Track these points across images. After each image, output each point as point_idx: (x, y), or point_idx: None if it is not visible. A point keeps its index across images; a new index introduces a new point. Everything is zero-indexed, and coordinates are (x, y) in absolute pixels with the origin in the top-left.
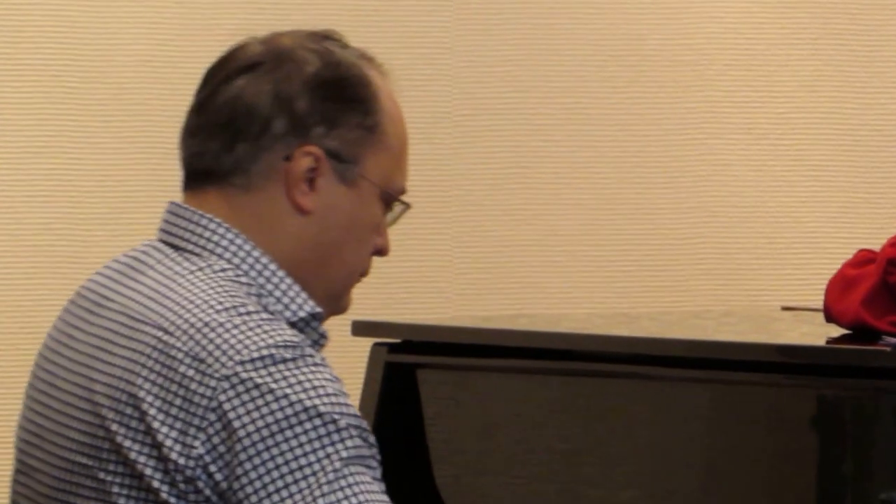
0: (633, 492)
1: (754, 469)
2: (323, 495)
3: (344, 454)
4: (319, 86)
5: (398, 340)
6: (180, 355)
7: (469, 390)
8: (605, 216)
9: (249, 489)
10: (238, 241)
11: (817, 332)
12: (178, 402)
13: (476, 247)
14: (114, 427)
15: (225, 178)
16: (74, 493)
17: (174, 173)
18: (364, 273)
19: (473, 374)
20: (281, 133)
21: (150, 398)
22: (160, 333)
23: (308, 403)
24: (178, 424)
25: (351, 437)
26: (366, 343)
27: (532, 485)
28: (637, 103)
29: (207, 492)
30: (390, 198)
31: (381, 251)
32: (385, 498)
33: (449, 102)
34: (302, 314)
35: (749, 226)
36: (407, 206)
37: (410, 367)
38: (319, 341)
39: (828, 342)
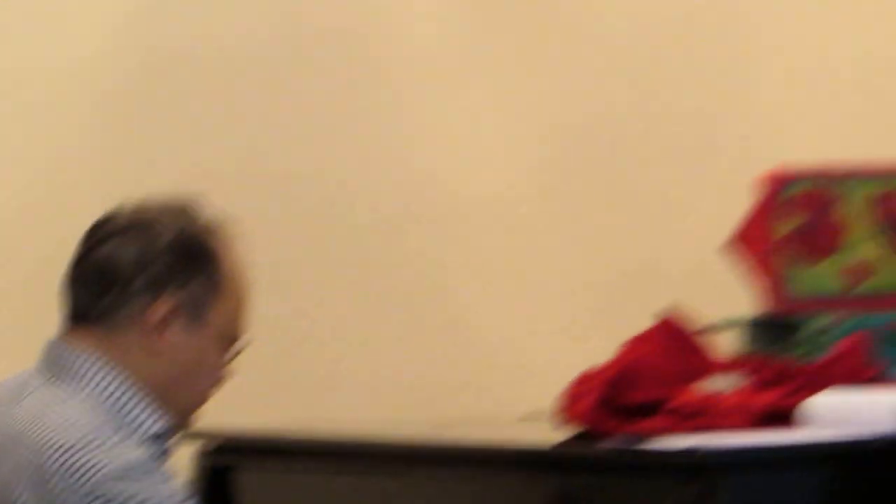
0: None
1: None
2: None
3: None
4: (173, 252)
5: (216, 446)
6: (51, 473)
7: (281, 488)
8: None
9: None
10: (102, 374)
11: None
12: None
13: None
14: None
15: (96, 322)
16: None
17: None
18: (207, 399)
19: (285, 474)
20: (141, 288)
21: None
22: (34, 454)
23: None
24: None
25: None
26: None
27: None
28: None
29: None
30: (230, 340)
31: (220, 381)
32: None
33: None
34: (151, 433)
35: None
36: (244, 345)
37: (227, 469)
38: (164, 455)
39: (565, 442)
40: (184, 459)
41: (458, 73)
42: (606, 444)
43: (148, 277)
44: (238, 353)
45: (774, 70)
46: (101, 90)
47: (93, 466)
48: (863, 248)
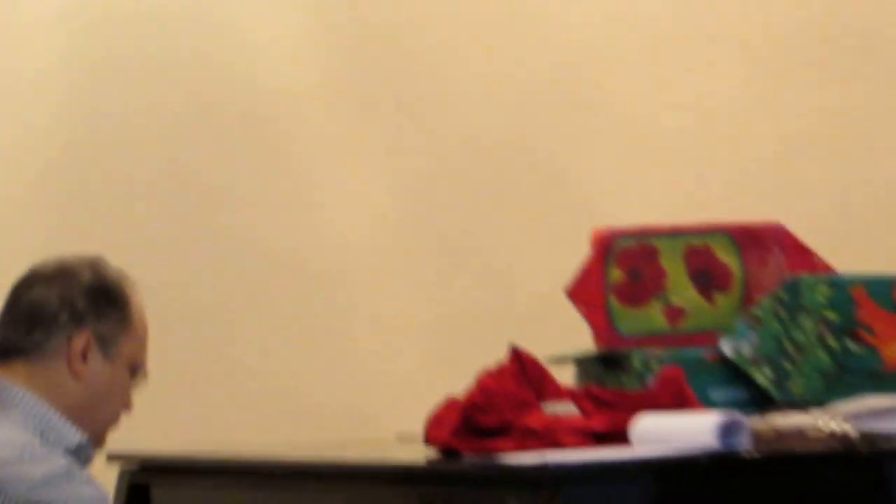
0: None
1: None
2: None
3: None
4: (90, 292)
5: (136, 466)
6: None
7: (192, 502)
8: None
9: None
10: (30, 399)
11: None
12: None
13: None
14: None
15: (26, 354)
16: None
17: None
18: (118, 420)
19: (195, 490)
20: (65, 323)
21: None
22: None
23: None
24: None
25: None
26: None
27: None
28: None
29: None
30: (136, 370)
31: (128, 406)
32: None
33: None
34: (71, 445)
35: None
36: (146, 374)
37: (146, 486)
38: (87, 461)
39: (430, 459)
40: (108, 479)
41: (335, 148)
42: (466, 461)
43: (70, 314)
44: (143, 379)
45: (611, 142)
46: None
47: (26, 476)
48: (678, 294)
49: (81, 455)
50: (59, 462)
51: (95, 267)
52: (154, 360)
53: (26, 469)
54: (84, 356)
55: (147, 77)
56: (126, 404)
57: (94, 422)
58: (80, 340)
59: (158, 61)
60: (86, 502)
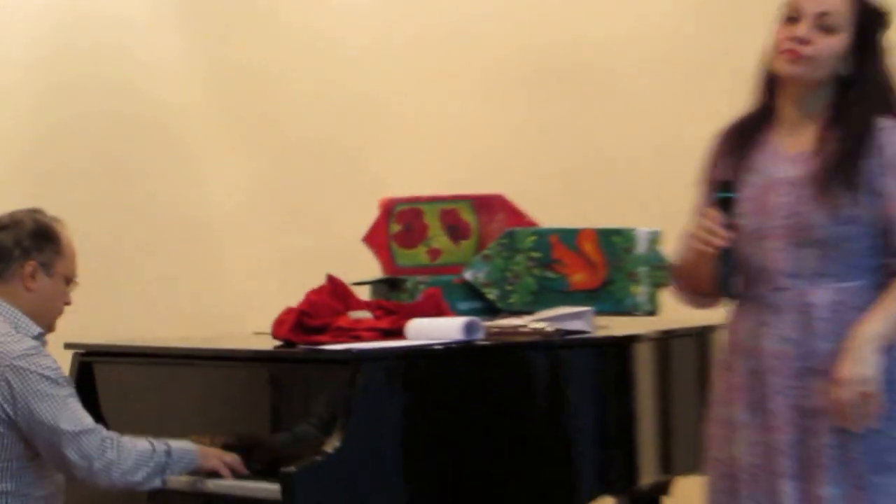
0: (223, 437)
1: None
2: (58, 408)
3: (62, 392)
4: (32, 234)
5: (83, 351)
6: None
7: (122, 375)
8: None
9: (27, 410)
10: (1, 305)
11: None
12: None
13: None
14: None
15: None
16: None
17: None
18: (61, 313)
19: (123, 367)
20: (18, 256)
21: None
22: None
23: (42, 371)
24: None
25: (60, 384)
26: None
27: (150, 428)
28: None
29: (9, 417)
30: (69, 281)
31: (68, 303)
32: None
33: None
34: (34, 334)
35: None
36: (77, 283)
37: (90, 364)
38: (44, 345)
39: (275, 347)
40: (64, 360)
41: (210, 141)
42: (299, 348)
43: (21, 250)
44: (75, 286)
45: (394, 138)
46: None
47: (8, 350)
48: (436, 240)
49: (40, 340)
50: (30, 342)
51: (35, 215)
52: (93, 278)
53: (8, 346)
54: (32, 277)
55: (83, 94)
56: (66, 302)
57: (46, 317)
58: (29, 267)
59: (91, 83)
60: (47, 367)
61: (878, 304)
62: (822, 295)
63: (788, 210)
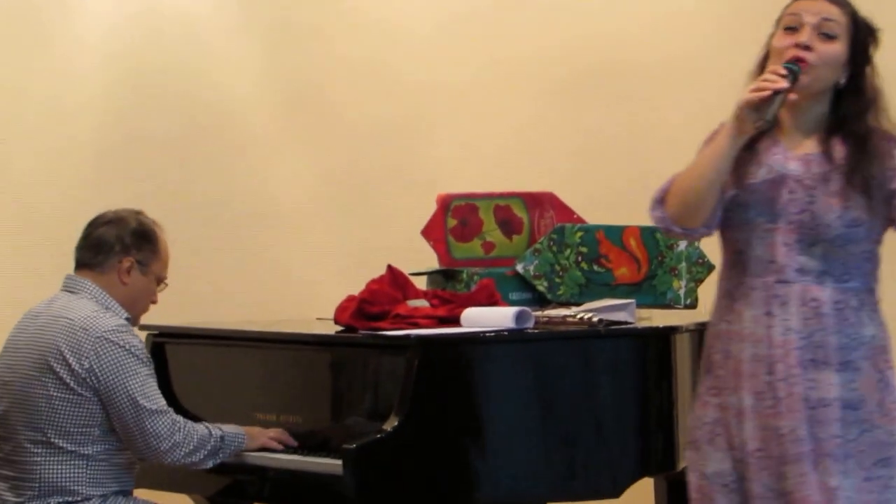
0: (287, 416)
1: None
2: (139, 385)
3: (144, 370)
4: (134, 233)
5: (157, 332)
6: (78, 330)
7: (192, 356)
8: None
9: (111, 382)
10: (94, 288)
11: (334, 327)
12: (77, 348)
13: None
14: (50, 360)
15: (92, 268)
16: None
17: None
18: (147, 310)
19: (193, 348)
20: (118, 251)
21: (64, 347)
22: (68, 322)
23: (129, 348)
24: (78, 356)
25: (144, 362)
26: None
27: (238, 408)
28: None
29: (94, 384)
30: (160, 281)
31: (155, 302)
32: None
33: None
34: (123, 317)
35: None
36: (167, 284)
37: (162, 344)
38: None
39: (337, 332)
40: (144, 339)
41: (271, 141)
42: (360, 334)
43: (121, 246)
44: (164, 287)
45: (451, 139)
46: None
47: (101, 324)
48: (490, 234)
49: (129, 322)
50: (120, 320)
51: (139, 216)
52: (170, 269)
53: (100, 320)
54: (128, 272)
55: (160, 101)
56: (153, 301)
57: (133, 310)
58: (126, 263)
59: (166, 91)
60: (134, 346)
61: None
62: (826, 292)
63: (800, 207)
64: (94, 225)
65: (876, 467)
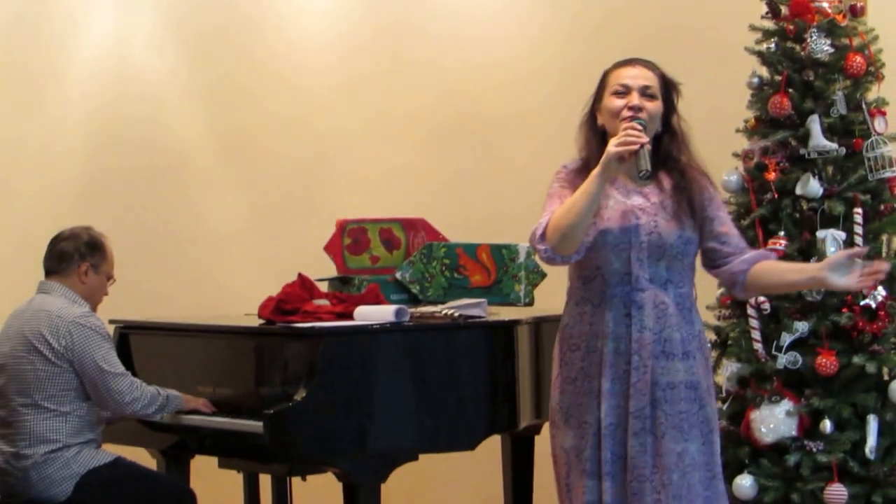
0: (222, 389)
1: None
2: (103, 354)
3: (107, 344)
4: (87, 244)
5: (123, 325)
6: (56, 318)
7: (150, 343)
8: None
9: (82, 354)
10: (63, 288)
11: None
12: (56, 331)
13: None
14: (35, 343)
15: (58, 274)
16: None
17: None
18: (101, 300)
19: (151, 337)
20: (76, 259)
21: (45, 332)
22: (48, 314)
23: (94, 328)
24: (56, 337)
25: (106, 338)
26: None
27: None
28: None
29: (70, 357)
30: (109, 278)
31: (106, 294)
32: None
33: None
34: (87, 308)
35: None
36: (114, 280)
37: (127, 334)
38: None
39: (260, 325)
40: (112, 331)
41: (211, 177)
42: (277, 326)
43: (79, 255)
44: (111, 283)
45: (347, 177)
46: None
47: (71, 313)
48: (376, 250)
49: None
50: (86, 308)
51: (89, 231)
52: (131, 278)
53: (71, 310)
54: (86, 273)
55: (124, 148)
56: (105, 293)
57: (92, 301)
58: (83, 267)
59: (129, 141)
60: (98, 326)
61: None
62: (670, 296)
63: (649, 230)
64: (56, 241)
65: (710, 434)
